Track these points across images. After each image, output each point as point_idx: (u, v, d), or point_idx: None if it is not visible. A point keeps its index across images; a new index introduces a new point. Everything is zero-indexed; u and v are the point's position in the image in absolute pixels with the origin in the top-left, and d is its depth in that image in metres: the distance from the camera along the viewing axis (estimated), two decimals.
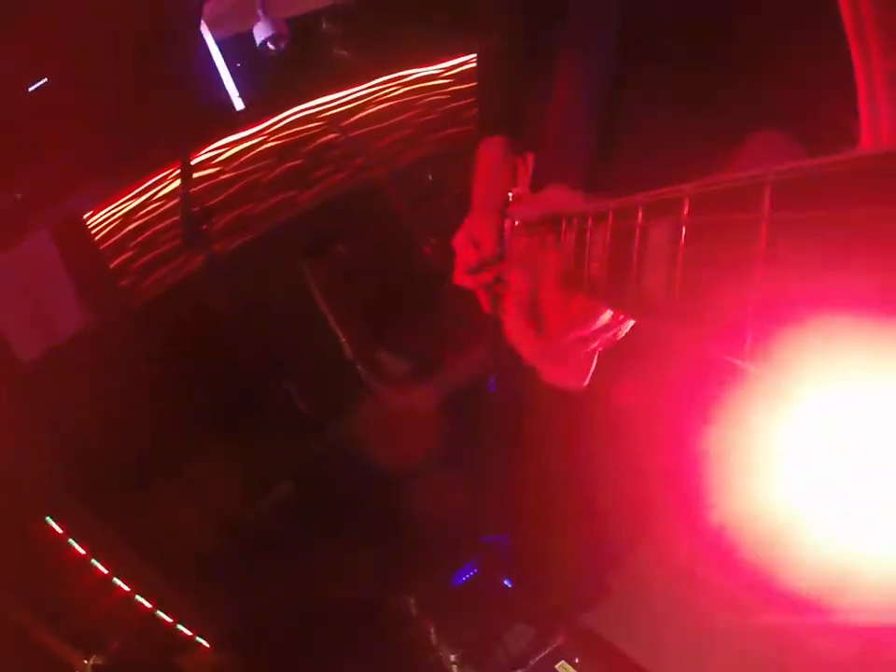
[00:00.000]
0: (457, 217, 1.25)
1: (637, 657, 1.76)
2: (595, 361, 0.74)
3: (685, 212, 0.33)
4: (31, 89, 2.18)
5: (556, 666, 1.82)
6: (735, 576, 1.60)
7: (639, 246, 0.41)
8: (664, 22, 0.84)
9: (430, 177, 2.87)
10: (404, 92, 2.98)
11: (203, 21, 2.47)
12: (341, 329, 2.59)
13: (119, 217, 2.52)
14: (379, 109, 2.91)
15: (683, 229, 0.34)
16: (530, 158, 1.11)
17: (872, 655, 1.35)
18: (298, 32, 2.60)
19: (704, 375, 0.96)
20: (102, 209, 2.49)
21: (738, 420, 1.05)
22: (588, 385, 1.29)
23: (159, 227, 2.58)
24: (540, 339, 0.67)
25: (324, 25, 2.77)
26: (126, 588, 2.28)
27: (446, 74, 3.03)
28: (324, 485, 2.51)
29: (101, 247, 2.49)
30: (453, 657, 1.94)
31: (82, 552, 2.26)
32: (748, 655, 1.57)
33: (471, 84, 3.01)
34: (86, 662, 2.09)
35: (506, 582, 2.10)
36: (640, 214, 0.41)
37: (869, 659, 1.35)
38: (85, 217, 2.46)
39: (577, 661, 1.82)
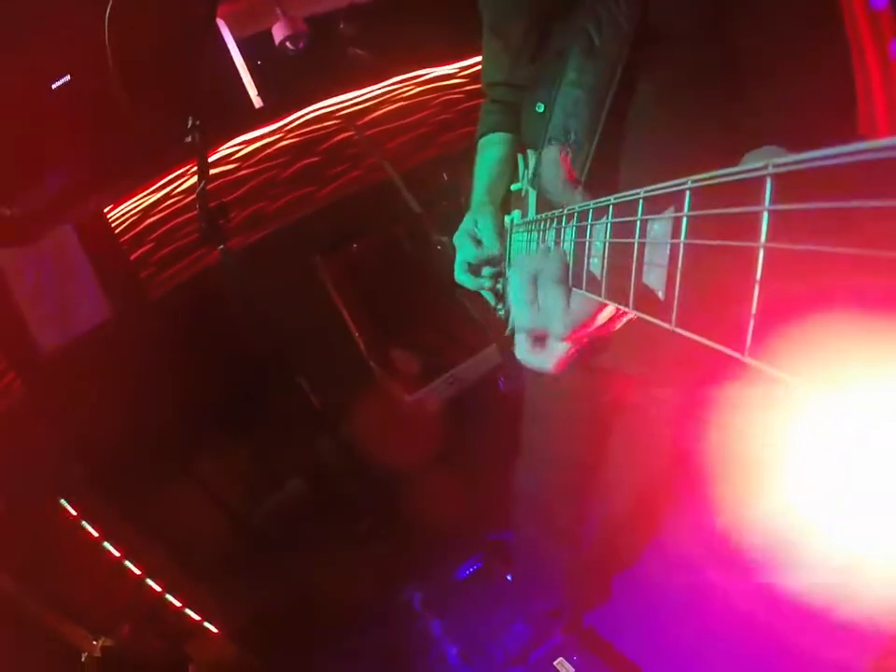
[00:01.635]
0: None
1: (634, 656, 1.77)
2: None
3: (686, 205, 0.33)
4: (54, 86, 2.24)
5: (555, 663, 1.83)
6: (738, 577, 1.59)
7: (640, 240, 0.40)
8: (673, 34, 0.84)
9: (445, 176, 2.88)
10: (419, 92, 3.00)
11: (223, 21, 2.52)
12: (355, 326, 2.62)
13: (139, 212, 2.58)
14: (394, 108, 2.94)
15: (684, 222, 0.33)
16: (530, 156, 1.11)
17: (874, 660, 1.34)
18: (315, 31, 2.64)
19: (706, 373, 0.95)
20: (122, 203, 2.56)
21: (742, 419, 1.04)
22: (591, 385, 1.29)
23: (177, 221, 2.63)
24: (540, 337, 0.67)
25: (341, 25, 2.80)
26: (137, 571, 2.32)
27: (461, 73, 3.04)
28: (333, 481, 2.54)
29: (121, 240, 2.54)
30: (455, 651, 1.95)
31: (95, 534, 2.31)
32: (747, 657, 1.56)
33: None
34: (95, 643, 2.13)
35: (508, 578, 2.11)
36: (641, 207, 0.41)
37: (872, 664, 1.34)
38: (106, 210, 2.52)
39: (575, 658, 1.82)
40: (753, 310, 0.26)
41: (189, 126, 2.02)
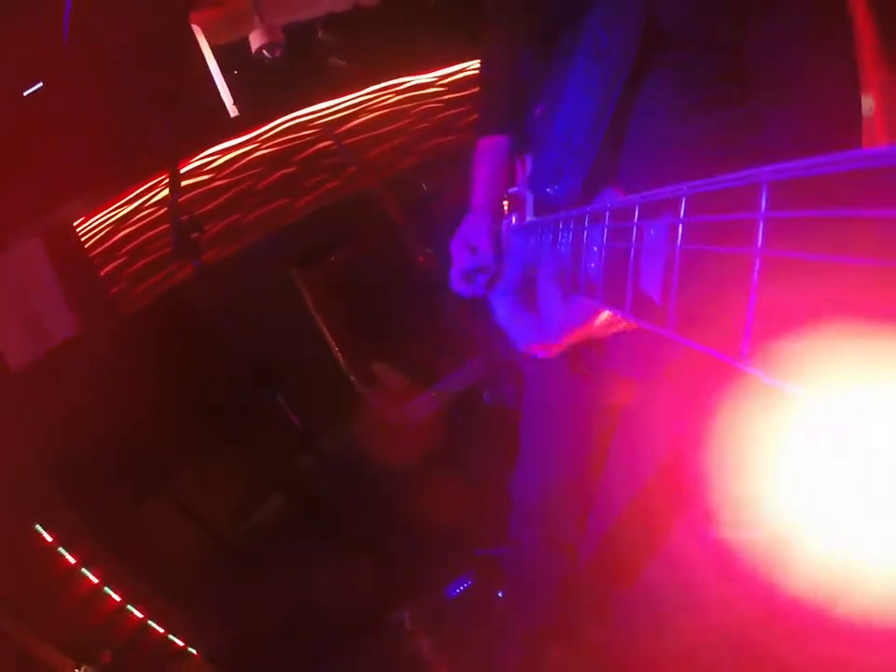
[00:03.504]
0: (452, 224, 1.23)
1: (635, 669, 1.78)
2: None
3: (682, 211, 0.34)
4: (25, 93, 2.14)
5: None
6: (739, 585, 1.62)
7: (636, 246, 0.41)
8: (681, 41, 0.84)
9: (424, 186, 2.86)
10: (398, 101, 2.96)
11: (199, 29, 2.44)
12: (334, 340, 2.58)
13: (110, 224, 2.48)
14: (373, 117, 2.89)
15: (680, 228, 0.34)
16: (528, 159, 1.10)
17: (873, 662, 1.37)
18: (293, 40, 2.58)
19: (702, 377, 0.96)
20: (93, 216, 2.46)
21: (738, 423, 1.05)
22: (590, 390, 1.29)
23: (150, 234, 2.54)
24: (539, 338, 0.67)
25: (319, 33, 2.74)
26: (117, 598, 2.27)
27: (440, 82, 3.01)
28: (317, 498, 2.51)
29: (91, 254, 2.45)
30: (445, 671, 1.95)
31: (73, 560, 2.24)
32: (752, 664, 1.59)
33: (465, 92, 3.00)
34: (77, 671, 2.08)
35: (499, 594, 2.11)
36: (637, 214, 0.41)
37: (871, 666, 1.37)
38: (76, 223, 2.42)
39: None
40: (749, 316, 0.26)
41: (161, 134, 1.97)
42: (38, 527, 2.22)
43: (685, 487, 1.64)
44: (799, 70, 0.78)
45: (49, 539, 2.22)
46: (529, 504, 1.75)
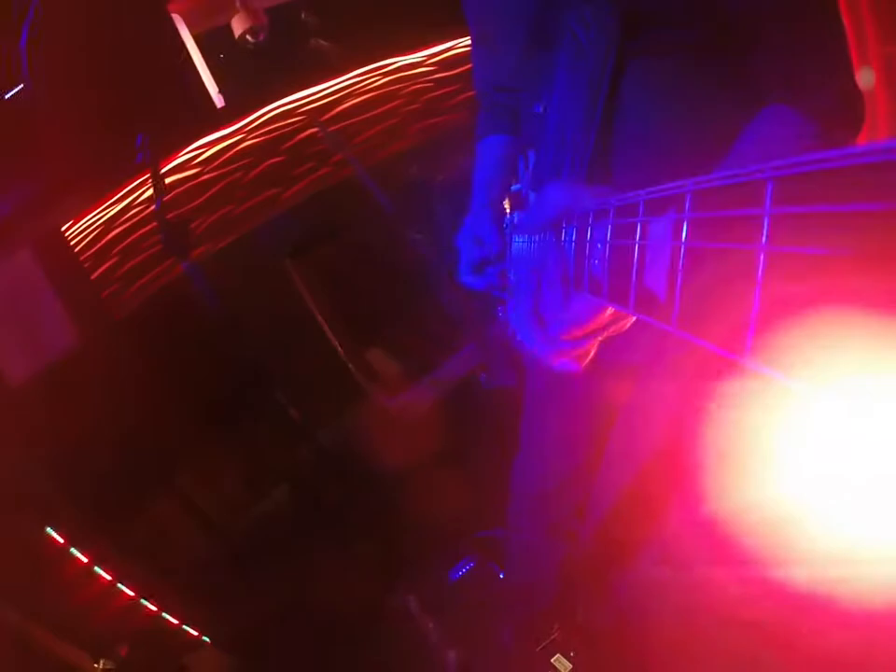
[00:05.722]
0: (443, 208, 1.23)
1: (632, 651, 1.83)
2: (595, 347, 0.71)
3: (686, 208, 0.33)
4: (7, 96, 2.11)
5: (552, 660, 1.88)
6: (734, 571, 1.64)
7: (640, 243, 0.41)
8: (662, 20, 0.82)
9: (415, 169, 2.82)
10: (387, 82, 2.88)
11: (179, 18, 2.37)
12: (330, 329, 2.58)
13: (99, 226, 2.46)
14: (361, 101, 2.83)
15: (685, 224, 0.34)
16: (531, 156, 1.09)
17: (872, 653, 1.40)
18: (276, 23, 2.52)
19: (705, 373, 0.95)
20: (81, 219, 2.43)
21: (739, 418, 1.05)
22: (591, 379, 1.29)
23: (140, 232, 2.52)
24: (543, 336, 0.66)
25: (303, 15, 2.68)
26: (130, 593, 2.32)
27: (430, 61, 2.94)
28: (319, 487, 2.54)
29: (82, 258, 2.43)
30: (452, 653, 2.00)
31: (85, 560, 2.29)
32: (744, 652, 1.62)
33: (456, 71, 2.93)
34: (96, 666, 2.14)
35: (501, 575, 2.15)
36: (641, 210, 0.41)
37: (869, 657, 1.40)
38: (64, 228, 2.40)
39: (572, 654, 1.88)
40: (754, 313, 0.26)
41: (139, 145, 1.93)
42: (49, 530, 2.26)
43: (684, 477, 1.65)
44: (800, 63, 0.76)
45: (61, 540, 2.27)
46: (529, 492, 1.77)
